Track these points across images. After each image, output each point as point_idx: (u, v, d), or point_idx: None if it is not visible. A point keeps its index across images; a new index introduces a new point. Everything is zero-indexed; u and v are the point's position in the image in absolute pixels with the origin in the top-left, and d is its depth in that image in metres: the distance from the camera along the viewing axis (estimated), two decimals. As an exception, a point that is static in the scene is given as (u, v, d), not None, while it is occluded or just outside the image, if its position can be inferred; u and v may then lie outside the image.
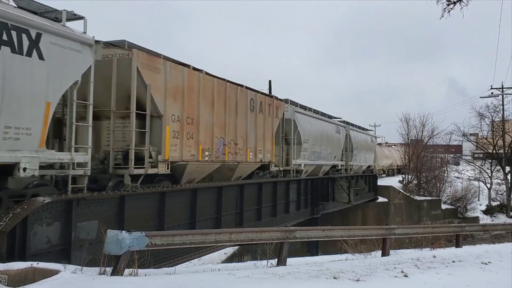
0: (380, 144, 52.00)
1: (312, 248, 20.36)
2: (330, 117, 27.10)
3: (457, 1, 9.12)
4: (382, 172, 40.59)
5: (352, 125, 30.73)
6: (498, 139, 40.54)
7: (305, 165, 20.45)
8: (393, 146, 61.20)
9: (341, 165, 26.86)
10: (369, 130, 38.79)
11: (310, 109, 23.83)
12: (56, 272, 6.49)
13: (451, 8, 9.20)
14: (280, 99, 18.32)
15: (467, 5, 9.14)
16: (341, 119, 29.10)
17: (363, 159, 32.71)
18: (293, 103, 21.21)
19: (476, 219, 36.13)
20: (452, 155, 58.47)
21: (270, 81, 36.62)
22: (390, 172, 50.20)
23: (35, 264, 6.34)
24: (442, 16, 9.27)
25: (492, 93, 37.72)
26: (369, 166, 35.72)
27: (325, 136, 23.74)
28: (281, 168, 18.10)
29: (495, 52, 49.27)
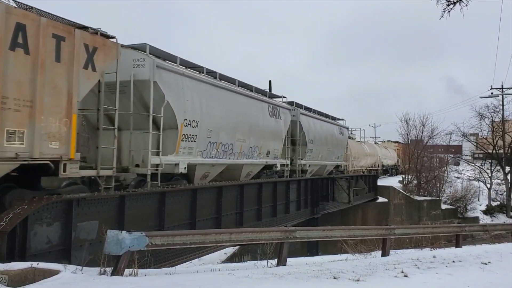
0: (353, 138, 40.98)
1: (312, 248, 20.35)
2: (262, 92, 17.43)
3: (457, 1, 9.12)
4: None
5: (307, 108, 22.21)
6: (498, 139, 40.55)
7: (191, 165, 12.10)
8: (379, 143, 55.42)
9: (281, 165, 18.43)
10: (339, 119, 28.18)
11: (212, 73, 13.79)
12: (56, 272, 6.49)
13: (451, 8, 9.20)
14: (107, 36, 9.31)
15: (467, 5, 9.14)
16: (286, 99, 19.85)
17: (325, 157, 24.40)
18: (156, 52, 11.52)
19: (476, 219, 36.14)
20: (452, 155, 58.43)
21: (270, 81, 36.42)
22: (372, 173, 39.34)
23: (35, 264, 6.34)
24: (442, 16, 9.27)
25: (492, 93, 37.74)
26: (337, 166, 28.50)
27: (244, 119, 14.99)
28: (101, 172, 9.05)
29: (494, 52, 49.48)
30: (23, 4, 7.92)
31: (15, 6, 7.36)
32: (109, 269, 6.79)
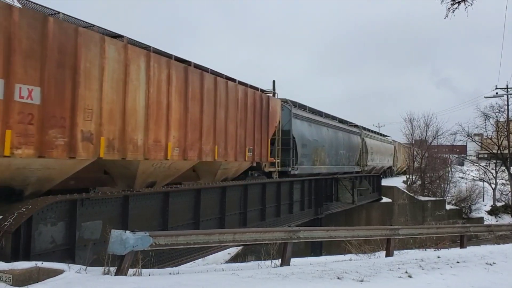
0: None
1: (316, 249, 20.32)
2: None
3: (462, 1, 9.09)
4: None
5: None
6: (502, 139, 40.38)
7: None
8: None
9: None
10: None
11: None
12: (60, 271, 6.50)
13: (456, 8, 9.18)
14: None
15: (471, 4, 9.11)
16: None
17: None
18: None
19: (480, 219, 36.06)
20: (456, 156, 58.21)
21: (274, 81, 36.46)
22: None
23: (39, 263, 6.36)
24: (447, 16, 9.25)
25: (497, 93, 37.63)
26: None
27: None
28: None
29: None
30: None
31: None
32: (113, 269, 6.80)
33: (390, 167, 45.13)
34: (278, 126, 17.54)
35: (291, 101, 20.25)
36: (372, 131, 37.02)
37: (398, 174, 49.61)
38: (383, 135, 44.30)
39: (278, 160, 17.36)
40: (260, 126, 15.82)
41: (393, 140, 48.27)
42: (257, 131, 15.55)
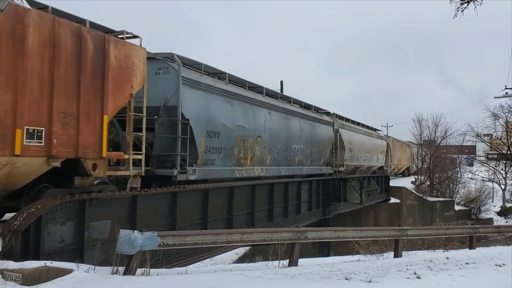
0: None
1: (323, 249, 20.30)
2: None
3: (471, 0, 9.04)
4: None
5: None
6: (512, 140, 40.08)
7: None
8: None
9: None
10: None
11: None
12: (69, 271, 6.55)
13: (465, 8, 9.13)
14: None
15: (480, 4, 9.06)
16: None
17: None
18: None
19: (490, 220, 35.79)
20: (465, 156, 57.84)
21: (281, 82, 36.48)
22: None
23: (48, 263, 6.41)
24: (456, 16, 9.20)
25: (506, 93, 37.29)
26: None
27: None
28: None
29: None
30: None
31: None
32: (121, 269, 6.84)
33: (381, 168, 35.85)
34: (144, 97, 9.72)
35: (182, 58, 11.73)
36: (352, 122, 28.27)
37: (396, 175, 45.37)
38: (371, 128, 34.49)
39: (141, 157, 9.63)
40: (77, 90, 7.90)
41: (385, 135, 41.30)
42: (65, 98, 7.65)
